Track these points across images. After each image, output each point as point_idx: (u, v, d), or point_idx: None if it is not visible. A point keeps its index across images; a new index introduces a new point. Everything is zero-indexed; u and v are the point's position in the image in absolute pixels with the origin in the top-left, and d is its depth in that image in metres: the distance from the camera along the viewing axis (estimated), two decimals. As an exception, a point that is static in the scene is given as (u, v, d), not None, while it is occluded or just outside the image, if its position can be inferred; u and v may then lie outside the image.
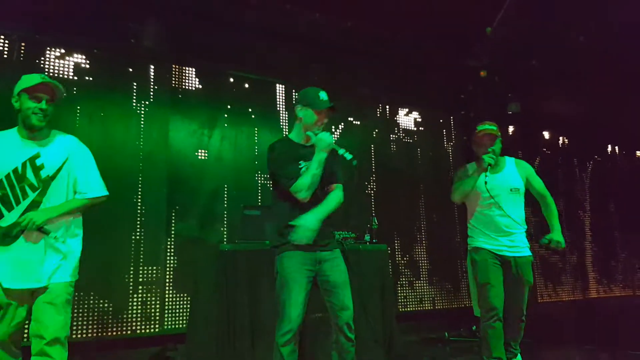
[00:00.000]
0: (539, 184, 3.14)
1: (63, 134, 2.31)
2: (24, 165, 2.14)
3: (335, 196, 2.55)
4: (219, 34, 4.46)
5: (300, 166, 2.48)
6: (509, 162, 3.19)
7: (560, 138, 7.20)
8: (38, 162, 2.16)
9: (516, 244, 3.01)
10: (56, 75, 3.80)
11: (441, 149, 5.88)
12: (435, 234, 5.54)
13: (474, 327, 5.10)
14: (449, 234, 5.68)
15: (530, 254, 3.09)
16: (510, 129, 6.29)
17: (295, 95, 4.84)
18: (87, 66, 3.95)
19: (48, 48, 3.80)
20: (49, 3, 3.68)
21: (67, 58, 3.87)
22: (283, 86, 4.84)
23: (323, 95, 2.55)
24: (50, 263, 2.15)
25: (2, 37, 3.64)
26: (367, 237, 4.17)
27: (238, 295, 3.15)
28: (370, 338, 3.62)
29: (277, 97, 4.83)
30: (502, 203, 3.00)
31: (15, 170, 2.12)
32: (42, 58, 3.77)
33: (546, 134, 7.06)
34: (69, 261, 2.25)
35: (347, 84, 5.07)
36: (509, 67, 5.65)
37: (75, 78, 3.88)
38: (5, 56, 3.63)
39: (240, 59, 4.59)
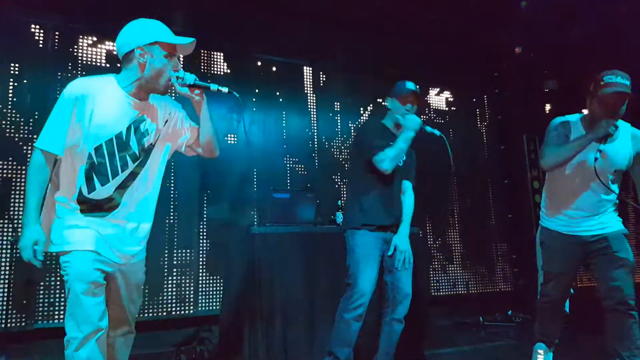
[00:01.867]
0: None
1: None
2: (128, 130, 1.76)
3: (411, 200, 2.77)
4: (246, 18, 4.38)
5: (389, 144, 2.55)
6: (625, 131, 2.41)
7: (601, 116, 6.78)
8: (142, 126, 1.80)
9: (604, 224, 2.42)
10: (89, 63, 3.83)
11: (474, 129, 5.63)
12: (468, 216, 5.34)
13: (510, 312, 4.93)
14: (483, 217, 5.47)
15: (622, 227, 2.45)
16: (548, 107, 5.96)
17: (322, 77, 4.76)
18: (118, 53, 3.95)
19: (81, 36, 3.82)
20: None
21: (99, 46, 3.89)
22: (310, 68, 4.73)
23: (409, 84, 2.76)
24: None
25: (38, 26, 3.69)
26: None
27: (269, 278, 3.12)
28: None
29: (305, 79, 4.74)
30: (602, 181, 2.32)
31: (118, 136, 1.74)
32: (75, 46, 3.80)
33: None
34: None
35: (375, 64, 4.90)
36: (546, 43, 5.32)
37: (108, 65, 3.90)
38: (40, 46, 3.68)
39: (267, 42, 4.50)
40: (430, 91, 5.41)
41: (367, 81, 4.91)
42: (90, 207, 1.75)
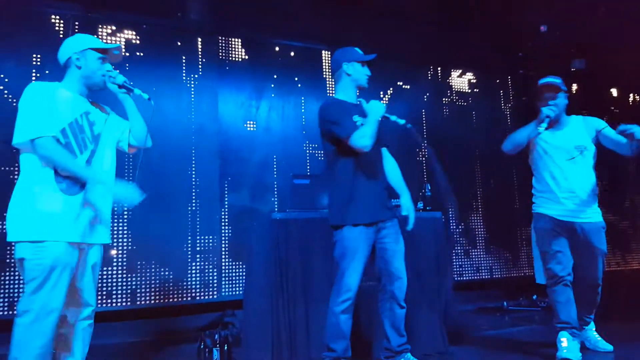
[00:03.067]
0: (613, 132, 2.66)
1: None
2: (81, 117, 2.02)
3: (395, 164, 2.59)
4: (264, 4, 4.28)
5: (355, 120, 2.36)
6: (576, 120, 2.81)
7: (631, 95, 6.47)
8: (90, 117, 2.06)
9: (581, 208, 2.68)
10: (109, 52, 3.81)
11: (498, 111, 5.43)
12: (492, 200, 5.18)
13: (534, 297, 4.79)
14: (507, 201, 5.30)
15: (601, 220, 2.73)
16: (575, 87, 5.70)
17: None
18: (137, 42, 3.93)
19: (100, 26, 3.80)
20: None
21: (118, 35, 3.86)
22: (329, 53, 4.61)
23: (359, 50, 2.52)
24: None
25: (58, 17, 3.68)
26: (420, 205, 3.95)
27: (291, 263, 3.08)
28: (425, 307, 3.46)
29: (323, 64, 4.63)
30: (564, 164, 2.70)
31: (76, 121, 1.99)
32: (95, 36, 3.76)
33: (614, 91, 6.36)
34: None
35: (395, 46, 4.74)
36: (572, 20, 5.05)
37: (127, 54, 3.87)
38: (61, 36, 3.67)
39: (285, 27, 4.40)
40: (452, 73, 5.22)
41: (386, 65, 4.76)
42: (70, 184, 1.93)
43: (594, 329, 2.90)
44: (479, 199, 5.15)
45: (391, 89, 4.81)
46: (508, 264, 5.21)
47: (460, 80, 5.27)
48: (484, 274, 5.07)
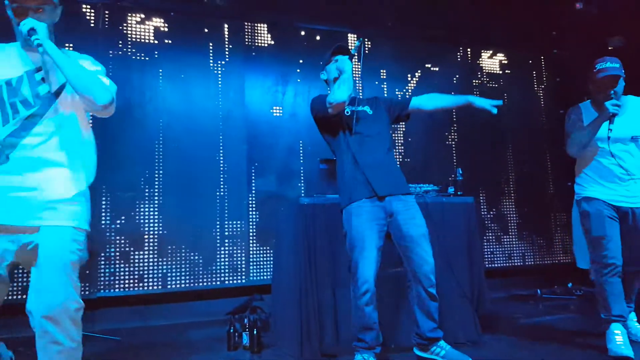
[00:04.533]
0: None
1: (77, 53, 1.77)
2: (20, 78, 1.64)
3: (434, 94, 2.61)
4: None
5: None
6: (633, 102, 2.63)
7: (675, 75, 6.02)
8: (38, 76, 1.66)
9: (634, 194, 2.52)
10: (138, 40, 3.79)
11: (531, 92, 5.14)
12: (525, 185, 4.93)
13: (569, 284, 4.56)
14: (541, 185, 5.04)
15: None
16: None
17: (367, 44, 4.47)
18: (166, 29, 3.89)
19: (129, 14, 3.78)
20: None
21: (146, 23, 3.83)
22: (355, 36, 4.46)
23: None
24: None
25: (89, 6, 3.67)
26: (450, 190, 3.78)
27: (318, 247, 3.00)
28: (457, 295, 3.33)
29: (350, 47, 4.47)
30: (621, 152, 2.54)
31: (8, 82, 1.62)
32: (124, 24, 3.76)
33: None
34: None
35: (423, 27, 4.54)
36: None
37: (156, 42, 3.84)
38: (92, 25, 3.67)
39: (310, 11, 4.27)
40: (482, 54, 4.97)
41: (414, 46, 4.57)
42: None
43: (636, 319, 2.71)
44: (511, 184, 4.92)
45: (419, 71, 4.61)
46: (541, 250, 4.96)
47: (491, 62, 5.01)
48: (516, 260, 4.84)
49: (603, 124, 2.47)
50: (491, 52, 4.99)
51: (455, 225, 3.52)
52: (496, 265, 4.71)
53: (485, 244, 4.68)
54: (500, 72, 5.03)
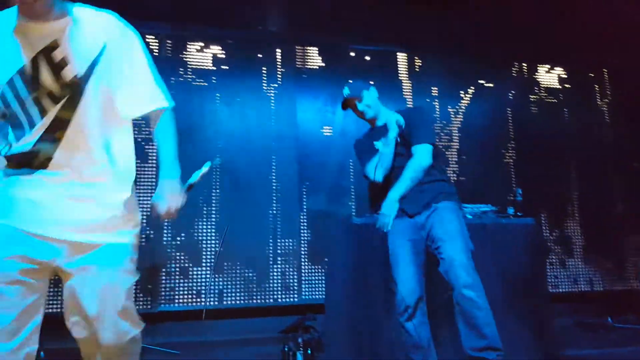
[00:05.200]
0: None
1: (92, 9, 1.32)
2: (33, 62, 1.21)
3: (412, 163, 2.28)
4: (337, 11, 4.23)
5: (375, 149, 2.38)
6: None
7: None
8: (56, 55, 1.22)
9: None
10: (198, 67, 4.00)
11: (593, 107, 4.85)
12: (590, 205, 4.60)
13: (646, 313, 4.15)
14: (608, 205, 4.68)
15: None
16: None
17: (417, 62, 4.44)
18: (223, 56, 4.08)
19: (189, 42, 4.00)
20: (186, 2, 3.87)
21: (205, 50, 4.04)
22: (405, 54, 4.45)
23: (344, 90, 2.53)
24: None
25: (153, 36, 3.94)
26: (510, 210, 3.60)
27: (371, 268, 2.95)
28: (518, 321, 3.13)
29: (399, 66, 4.47)
30: None
31: (21, 72, 1.20)
32: (185, 52, 3.98)
33: None
34: None
35: (475, 42, 4.43)
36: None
37: (214, 68, 4.04)
38: (155, 54, 3.92)
39: (359, 32, 4.31)
40: (539, 68, 4.77)
41: (467, 62, 4.47)
42: (15, 163, 1.23)
43: None
44: (575, 203, 4.61)
45: (472, 87, 4.50)
46: (612, 275, 4.57)
47: (549, 76, 4.79)
48: (582, 285, 4.50)
49: None
50: (549, 66, 4.77)
51: (516, 248, 3.33)
52: (561, 290, 4.39)
53: (549, 267, 4.38)
54: (560, 87, 4.80)
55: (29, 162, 1.23)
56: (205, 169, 1.59)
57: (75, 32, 1.24)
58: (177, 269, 3.64)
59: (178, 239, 3.69)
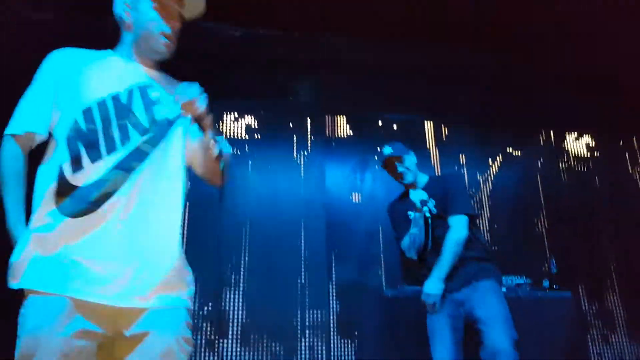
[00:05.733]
0: None
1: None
2: (130, 92, 1.26)
3: (449, 239, 2.28)
4: (366, 82, 4.38)
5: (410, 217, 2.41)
6: None
7: None
8: (151, 92, 1.30)
9: None
10: (233, 136, 4.13)
11: (625, 175, 4.76)
12: (632, 275, 4.38)
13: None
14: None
15: None
16: None
17: (444, 130, 4.49)
18: (256, 126, 4.21)
19: (225, 112, 4.16)
20: (217, 75, 4.06)
21: (239, 120, 4.19)
22: (432, 122, 4.52)
23: (385, 149, 2.58)
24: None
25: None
26: (545, 283, 3.46)
27: (407, 344, 2.82)
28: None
29: (426, 134, 4.52)
30: None
31: (115, 98, 1.24)
32: (220, 121, 4.13)
33: None
34: None
35: (502, 110, 4.48)
36: None
37: (247, 137, 4.16)
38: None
39: (387, 102, 4.42)
40: (567, 136, 4.76)
41: (494, 130, 4.50)
42: (73, 200, 1.13)
43: None
44: (614, 274, 4.40)
45: (500, 155, 4.50)
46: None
47: (578, 143, 4.76)
48: (628, 362, 4.18)
49: None
50: (577, 133, 4.77)
51: (554, 323, 3.17)
52: (606, 368, 4.08)
53: (590, 344, 4.11)
54: (588, 154, 4.75)
55: (87, 198, 1.14)
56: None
57: (166, 82, 1.36)
58: (203, 341, 3.53)
59: (205, 308, 3.62)
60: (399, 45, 4.16)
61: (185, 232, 3.69)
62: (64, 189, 1.14)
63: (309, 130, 4.31)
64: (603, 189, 4.58)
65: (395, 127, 4.48)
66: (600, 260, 4.40)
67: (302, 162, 4.21)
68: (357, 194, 4.24)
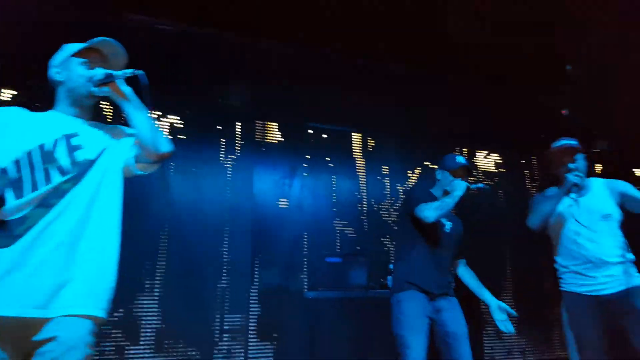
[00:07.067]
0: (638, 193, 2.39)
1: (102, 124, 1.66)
2: (55, 142, 1.48)
3: (471, 273, 2.65)
4: (297, 91, 4.38)
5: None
6: (597, 183, 2.49)
7: (656, 174, 6.20)
8: (75, 141, 1.51)
9: (617, 278, 2.29)
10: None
11: (524, 190, 5.27)
12: (523, 280, 4.86)
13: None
14: (539, 280, 4.97)
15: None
16: (599, 167, 5.52)
17: (370, 142, 4.64)
18: (181, 126, 4.01)
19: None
20: (143, 68, 3.82)
21: (162, 119, 3.96)
22: (360, 135, 4.64)
23: (460, 158, 2.66)
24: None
25: (107, 103, 3.82)
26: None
27: (322, 343, 2.87)
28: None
29: (353, 145, 4.64)
30: (594, 232, 2.34)
31: (40, 148, 1.45)
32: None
33: (638, 172, 6.12)
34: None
35: (423, 128, 4.74)
36: (593, 103, 5.00)
37: (170, 137, 3.95)
38: (109, 120, 3.78)
39: (317, 112, 4.46)
40: (477, 154, 5.16)
41: (415, 144, 4.74)
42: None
43: None
44: (510, 278, 4.85)
45: (419, 167, 4.75)
46: (542, 345, 4.78)
47: (487, 161, 5.18)
48: (516, 355, 4.64)
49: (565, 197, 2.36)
50: (486, 152, 5.18)
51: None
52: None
53: (485, 338, 4.52)
54: (495, 170, 5.20)
55: (10, 230, 1.35)
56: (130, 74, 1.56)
57: (89, 129, 1.59)
58: (113, 348, 3.32)
59: (115, 315, 3.39)
60: (334, 57, 4.23)
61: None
62: None
63: (237, 134, 4.20)
64: (506, 201, 5.03)
65: (324, 136, 4.53)
66: (498, 266, 4.82)
67: (229, 165, 4.10)
68: (284, 200, 4.23)
